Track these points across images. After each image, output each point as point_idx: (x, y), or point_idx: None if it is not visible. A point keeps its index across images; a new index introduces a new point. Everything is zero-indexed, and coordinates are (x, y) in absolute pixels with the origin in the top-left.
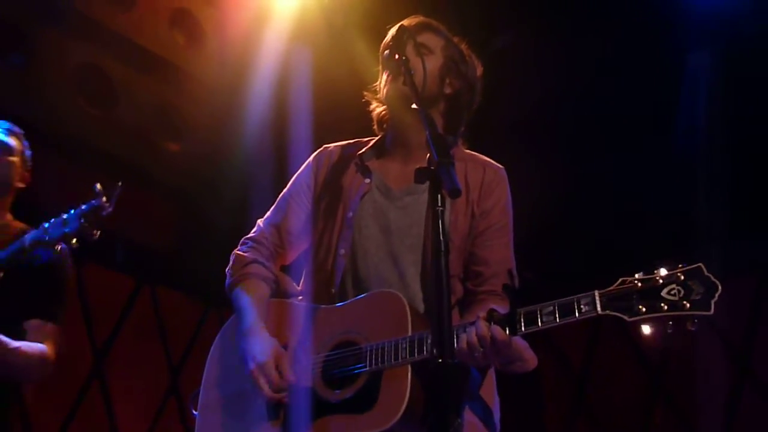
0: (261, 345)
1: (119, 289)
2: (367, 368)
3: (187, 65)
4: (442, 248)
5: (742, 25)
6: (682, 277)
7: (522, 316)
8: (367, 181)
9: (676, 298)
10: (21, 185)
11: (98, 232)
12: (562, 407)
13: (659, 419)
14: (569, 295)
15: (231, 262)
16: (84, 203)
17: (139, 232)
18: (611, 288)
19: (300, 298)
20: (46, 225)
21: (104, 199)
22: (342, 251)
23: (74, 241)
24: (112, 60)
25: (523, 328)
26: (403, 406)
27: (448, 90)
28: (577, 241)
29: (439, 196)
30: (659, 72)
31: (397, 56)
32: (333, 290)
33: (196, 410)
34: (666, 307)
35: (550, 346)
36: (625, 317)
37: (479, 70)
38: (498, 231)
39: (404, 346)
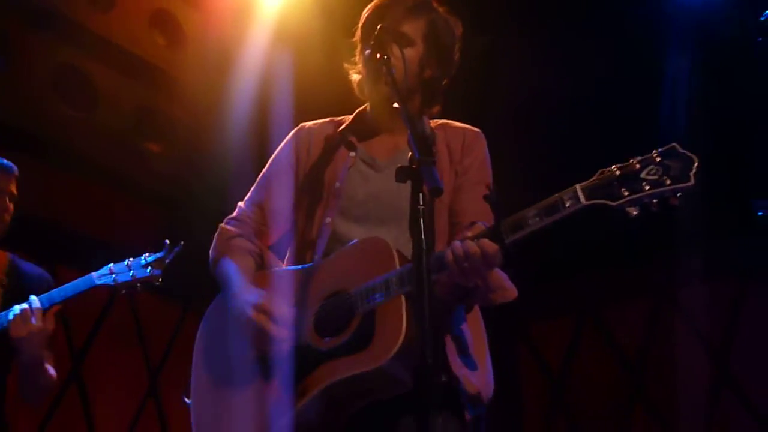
0: (254, 294)
1: (96, 293)
2: (360, 309)
3: (167, 66)
4: (424, 247)
5: (722, 29)
6: (658, 158)
7: (507, 225)
8: (352, 154)
9: (656, 177)
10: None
11: (161, 281)
12: (541, 409)
13: (638, 422)
14: None
15: (215, 238)
16: (149, 253)
17: (117, 235)
18: (591, 179)
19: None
20: (111, 266)
21: (166, 253)
22: (328, 219)
23: (139, 286)
24: (93, 61)
25: (510, 236)
26: (402, 336)
27: (426, 76)
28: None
29: (420, 195)
30: (640, 73)
31: (378, 56)
32: (316, 256)
33: (188, 397)
34: (648, 187)
35: (529, 346)
36: (610, 203)
37: (458, 29)
38: (475, 185)
39: (393, 279)
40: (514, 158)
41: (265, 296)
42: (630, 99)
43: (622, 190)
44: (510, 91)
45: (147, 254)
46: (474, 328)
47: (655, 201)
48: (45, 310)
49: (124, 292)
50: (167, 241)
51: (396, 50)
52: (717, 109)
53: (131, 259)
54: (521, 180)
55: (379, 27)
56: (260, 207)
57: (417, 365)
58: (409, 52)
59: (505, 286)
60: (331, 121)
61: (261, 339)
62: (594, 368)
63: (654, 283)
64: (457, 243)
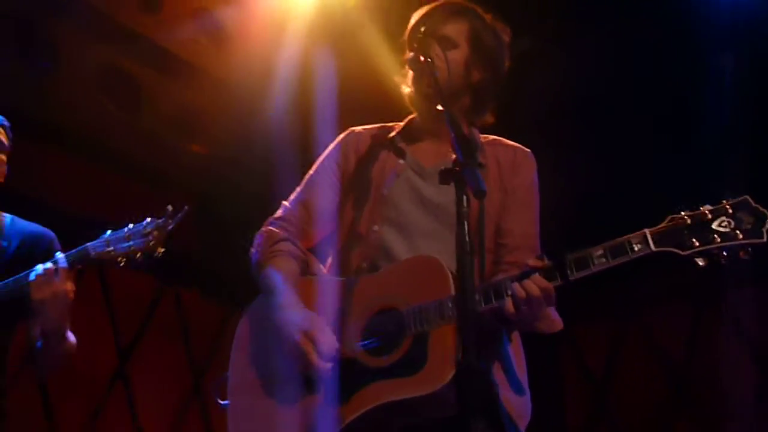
0: (303, 315)
1: (143, 291)
2: (412, 331)
3: (210, 67)
4: (468, 249)
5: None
6: (730, 210)
7: (573, 262)
8: (401, 161)
9: (728, 230)
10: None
11: (162, 250)
12: (583, 413)
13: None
14: None
15: (259, 239)
16: (147, 221)
17: None
18: (661, 225)
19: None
20: (107, 237)
21: (169, 219)
22: (376, 227)
23: (138, 255)
24: (137, 62)
25: (575, 272)
26: (452, 367)
27: (474, 79)
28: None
29: (464, 197)
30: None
31: (421, 58)
32: (364, 265)
33: (221, 399)
34: (719, 239)
35: (571, 349)
36: (680, 252)
37: (506, 36)
38: (523, 206)
39: (449, 304)
40: (554, 160)
41: (312, 319)
42: (672, 99)
43: (693, 239)
44: (547, 93)
45: (148, 220)
46: (516, 352)
47: (725, 254)
48: (69, 270)
49: (122, 264)
50: (169, 207)
51: (439, 52)
52: (762, 107)
53: (131, 226)
54: (560, 180)
55: (422, 29)
56: (305, 207)
57: (460, 369)
58: (453, 54)
59: (551, 317)
60: (382, 126)
61: (304, 363)
62: (637, 373)
63: (698, 286)
64: (517, 286)
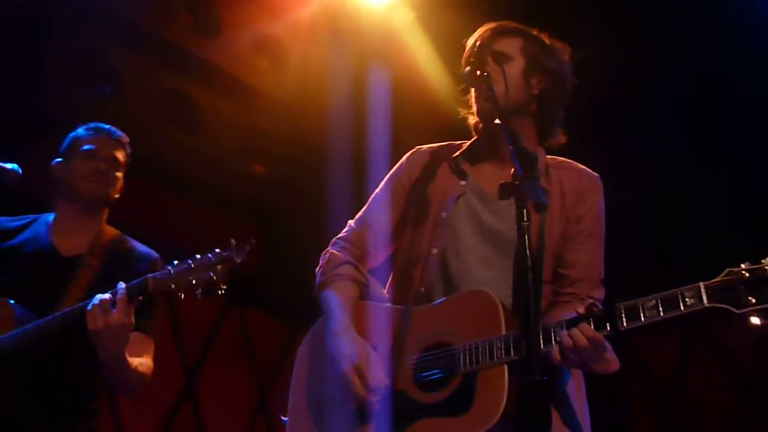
0: (353, 345)
1: (207, 311)
2: (462, 369)
3: (270, 89)
4: (529, 264)
5: None
6: None
7: (623, 311)
8: (463, 183)
9: None
10: (118, 195)
11: (225, 287)
12: (651, 430)
13: None
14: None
15: (322, 261)
16: (213, 253)
17: None
18: (717, 279)
19: (387, 299)
20: (171, 269)
21: (236, 254)
22: (435, 251)
23: (199, 291)
24: (198, 86)
25: (625, 324)
26: (501, 408)
27: (535, 91)
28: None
29: (525, 210)
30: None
31: (478, 72)
32: (422, 289)
33: (284, 416)
34: None
35: (637, 364)
36: (734, 309)
37: (566, 54)
38: (588, 237)
39: (499, 345)
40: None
41: (362, 351)
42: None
43: (749, 297)
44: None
45: (214, 252)
46: (578, 387)
47: None
48: (130, 301)
49: (182, 296)
50: (233, 241)
51: (495, 66)
52: None
53: (197, 257)
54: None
55: (477, 44)
56: (370, 228)
57: (524, 380)
58: (509, 67)
59: (607, 358)
60: (448, 145)
61: (353, 394)
62: (706, 388)
63: None
64: (565, 335)
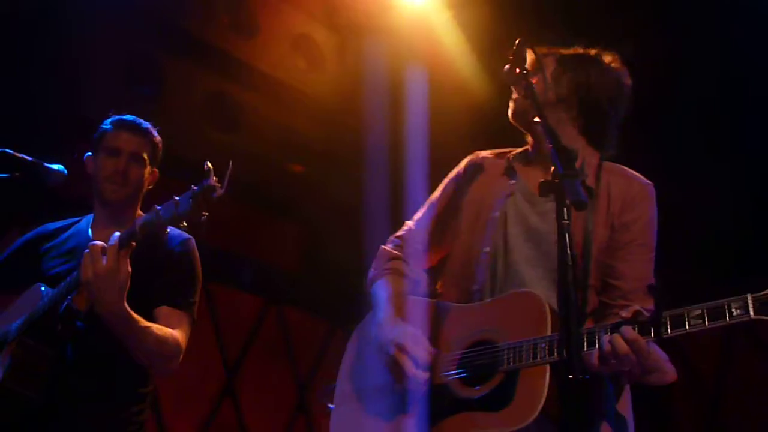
0: (399, 329)
1: (247, 309)
2: (504, 366)
3: (308, 89)
4: (569, 262)
5: None
6: None
7: (668, 319)
8: (512, 182)
9: None
10: (150, 187)
11: (206, 214)
12: (693, 425)
13: None
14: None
15: (376, 256)
16: (196, 185)
17: (265, 253)
18: (765, 292)
19: (440, 296)
20: (158, 208)
21: (215, 179)
22: (486, 249)
23: (184, 223)
24: (237, 86)
25: (669, 331)
26: (539, 406)
27: (575, 93)
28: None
29: (565, 209)
30: None
31: (517, 70)
32: (474, 287)
33: (330, 403)
34: None
35: (680, 358)
36: None
37: (618, 73)
38: (639, 247)
39: (543, 345)
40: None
41: (407, 333)
42: None
43: None
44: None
45: (195, 186)
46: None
47: None
48: (122, 250)
49: (166, 232)
50: (208, 163)
51: (533, 66)
52: None
53: (185, 192)
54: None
55: (516, 41)
56: (424, 228)
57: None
58: (547, 68)
59: (664, 369)
60: (506, 150)
61: (399, 376)
62: (753, 386)
63: None
64: (605, 339)
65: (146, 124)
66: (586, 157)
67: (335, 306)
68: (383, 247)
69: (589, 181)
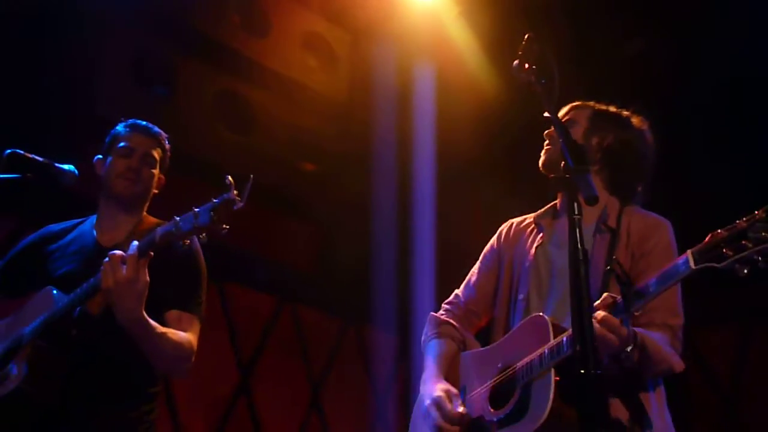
0: (435, 385)
1: (261, 308)
2: (521, 382)
3: (319, 87)
4: (580, 257)
5: None
6: (764, 215)
7: (633, 295)
8: (540, 235)
9: (760, 234)
10: (156, 191)
11: (227, 227)
12: (710, 424)
13: None
14: None
15: (426, 323)
16: (216, 197)
17: (278, 252)
18: (700, 244)
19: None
20: (178, 219)
21: (235, 192)
22: (521, 296)
23: (203, 235)
24: (248, 85)
25: (635, 305)
26: (548, 408)
27: (602, 152)
28: None
29: (576, 204)
30: None
31: (526, 66)
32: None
33: None
34: (751, 244)
35: (695, 357)
36: (716, 265)
37: (645, 136)
38: (659, 268)
39: (546, 353)
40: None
41: (442, 390)
42: None
43: (727, 251)
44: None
45: (215, 199)
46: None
47: (759, 258)
48: (141, 259)
49: (188, 242)
50: (228, 178)
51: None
52: None
53: (205, 204)
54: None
55: (526, 37)
56: (470, 292)
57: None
58: (575, 131)
59: (668, 360)
60: (534, 214)
61: (436, 427)
62: (765, 376)
63: None
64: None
65: (158, 129)
66: (609, 204)
67: (348, 304)
68: (432, 313)
69: (611, 221)
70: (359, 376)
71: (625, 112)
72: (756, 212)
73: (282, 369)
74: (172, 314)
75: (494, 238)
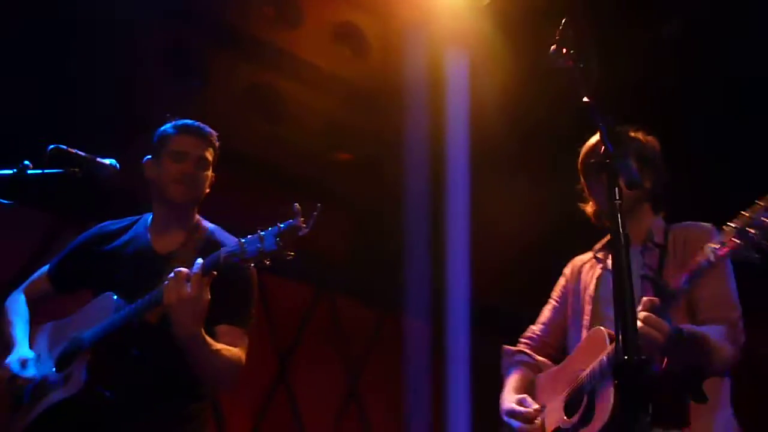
0: (505, 399)
1: (299, 297)
2: (587, 390)
3: (352, 76)
4: (622, 242)
5: None
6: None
7: (667, 295)
8: (600, 266)
9: (763, 222)
10: (208, 191)
11: (293, 254)
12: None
13: None
14: None
15: (502, 356)
16: (281, 222)
17: (314, 242)
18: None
19: None
20: (243, 241)
21: (302, 219)
22: (585, 322)
23: (268, 260)
24: (281, 76)
25: (671, 304)
26: (609, 412)
27: (648, 185)
28: None
29: (617, 189)
30: None
31: (564, 50)
32: None
33: None
34: (758, 232)
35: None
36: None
37: (656, 148)
38: (711, 276)
39: (604, 359)
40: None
41: (513, 401)
42: None
43: (738, 240)
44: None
45: (281, 224)
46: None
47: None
48: (205, 277)
49: (253, 266)
50: (297, 205)
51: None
52: None
53: (270, 228)
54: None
55: (563, 22)
56: (543, 326)
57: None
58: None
59: (723, 355)
60: (593, 249)
61: None
62: None
63: None
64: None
65: (209, 129)
66: (653, 223)
67: (385, 294)
68: (505, 347)
69: (658, 239)
70: (395, 365)
71: (640, 135)
72: (758, 201)
73: (320, 358)
74: (223, 328)
75: (561, 277)
